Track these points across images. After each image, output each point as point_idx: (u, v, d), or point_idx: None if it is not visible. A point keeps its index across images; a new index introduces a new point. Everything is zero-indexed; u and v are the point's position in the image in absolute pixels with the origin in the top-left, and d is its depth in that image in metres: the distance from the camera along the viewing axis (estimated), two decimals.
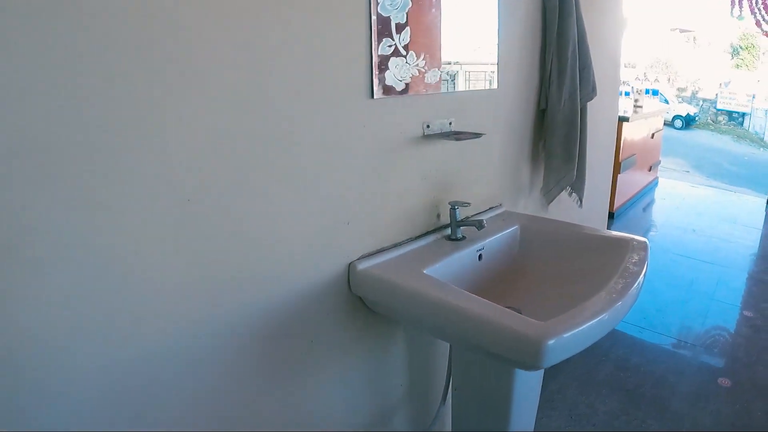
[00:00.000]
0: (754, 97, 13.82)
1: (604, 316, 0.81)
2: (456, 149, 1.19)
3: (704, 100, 15.56)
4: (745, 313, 2.53)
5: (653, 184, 4.93)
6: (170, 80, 0.68)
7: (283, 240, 0.86)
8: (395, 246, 1.08)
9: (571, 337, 0.75)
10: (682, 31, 18.08)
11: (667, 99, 13.49)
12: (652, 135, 4.65)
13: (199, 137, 0.72)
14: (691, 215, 4.20)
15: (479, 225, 1.08)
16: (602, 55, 1.92)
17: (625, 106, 4.40)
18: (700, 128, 14.11)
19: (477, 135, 1.10)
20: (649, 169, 4.76)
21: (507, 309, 0.80)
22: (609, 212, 3.92)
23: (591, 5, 1.77)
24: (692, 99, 15.87)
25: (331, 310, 0.98)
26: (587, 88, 1.52)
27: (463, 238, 1.14)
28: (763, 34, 5.59)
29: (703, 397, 1.87)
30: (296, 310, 0.91)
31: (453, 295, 0.87)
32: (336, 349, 1.01)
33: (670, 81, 16.90)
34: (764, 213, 4.33)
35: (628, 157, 4.02)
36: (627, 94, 4.81)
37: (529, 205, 1.54)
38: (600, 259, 1.10)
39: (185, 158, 0.71)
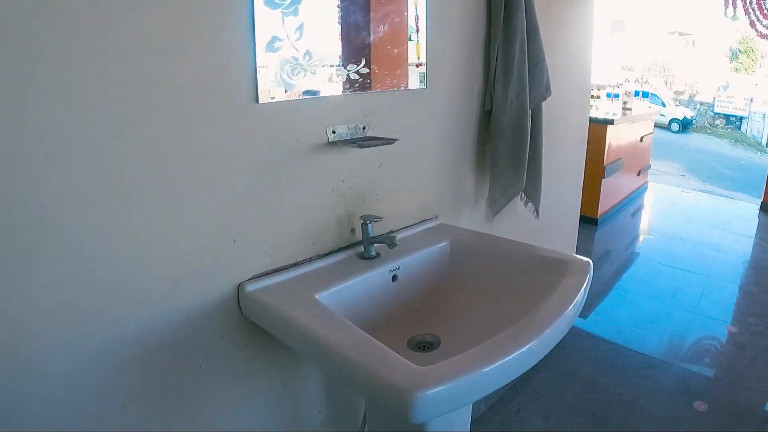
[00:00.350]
0: (752, 101, 13.64)
1: (506, 359, 0.67)
2: (377, 156, 1.06)
3: (702, 104, 15.37)
4: (730, 328, 2.38)
5: (642, 189, 4.78)
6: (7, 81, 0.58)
7: (155, 260, 0.77)
8: (296, 265, 0.96)
9: (455, 388, 0.61)
10: (681, 34, 17.95)
11: (664, 102, 13.33)
12: (641, 138, 4.51)
13: (49, 146, 0.63)
14: (679, 222, 4.05)
15: (390, 243, 0.94)
16: (569, 52, 1.78)
17: (614, 109, 4.27)
18: (697, 132, 13.93)
19: (390, 141, 0.96)
20: (638, 174, 4.62)
21: (385, 349, 0.66)
22: (593, 218, 3.79)
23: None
24: (690, 102, 15.69)
25: (223, 334, 0.89)
26: (539, 88, 1.38)
27: (378, 256, 1.00)
28: (758, 35, 5.45)
29: (675, 423, 1.73)
30: (178, 334, 0.82)
31: (328, 328, 0.73)
32: (233, 374, 0.92)
33: (668, 84, 16.73)
34: (757, 220, 4.17)
35: (614, 162, 3.88)
36: (617, 96, 4.68)
37: (474, 217, 1.40)
38: (533, 283, 0.96)
39: (34, 171, 0.62)
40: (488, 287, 1.03)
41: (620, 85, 5.04)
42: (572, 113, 1.89)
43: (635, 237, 3.76)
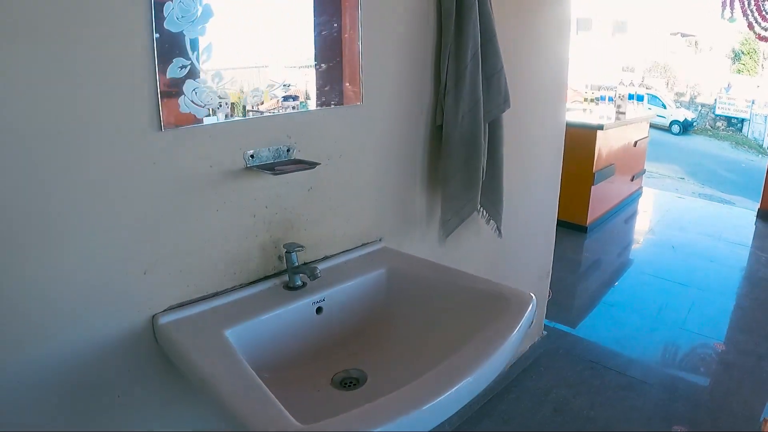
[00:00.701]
0: (753, 103, 13.47)
1: (409, 416, 0.60)
2: (306, 179, 0.99)
3: (703, 105, 15.21)
4: (717, 346, 2.28)
5: (636, 194, 4.67)
6: None
7: (59, 294, 0.74)
8: (216, 295, 0.91)
9: None
10: (683, 35, 17.78)
11: (665, 103, 13.20)
12: (635, 143, 4.41)
13: None
14: (673, 230, 3.94)
15: (311, 274, 0.87)
16: (542, 56, 1.69)
17: (608, 113, 4.18)
18: (698, 134, 13.79)
19: (311, 165, 0.89)
20: (632, 179, 4.52)
21: (270, 400, 0.59)
22: (582, 226, 3.69)
23: (528, 1, 1.56)
24: (691, 104, 15.52)
25: (141, 365, 0.86)
26: (496, 100, 1.30)
27: (303, 285, 0.93)
28: (756, 37, 5.35)
29: None
30: (91, 366, 0.80)
31: (220, 370, 0.69)
32: (155, 404, 0.89)
33: (669, 85, 16.56)
34: (753, 227, 4.05)
35: (605, 167, 3.78)
36: (611, 99, 4.59)
37: (427, 238, 1.32)
38: (465, 321, 0.89)
39: None
40: (422, 320, 0.95)
41: (614, 88, 4.95)
42: (546, 121, 1.81)
43: (625, 246, 3.66)
